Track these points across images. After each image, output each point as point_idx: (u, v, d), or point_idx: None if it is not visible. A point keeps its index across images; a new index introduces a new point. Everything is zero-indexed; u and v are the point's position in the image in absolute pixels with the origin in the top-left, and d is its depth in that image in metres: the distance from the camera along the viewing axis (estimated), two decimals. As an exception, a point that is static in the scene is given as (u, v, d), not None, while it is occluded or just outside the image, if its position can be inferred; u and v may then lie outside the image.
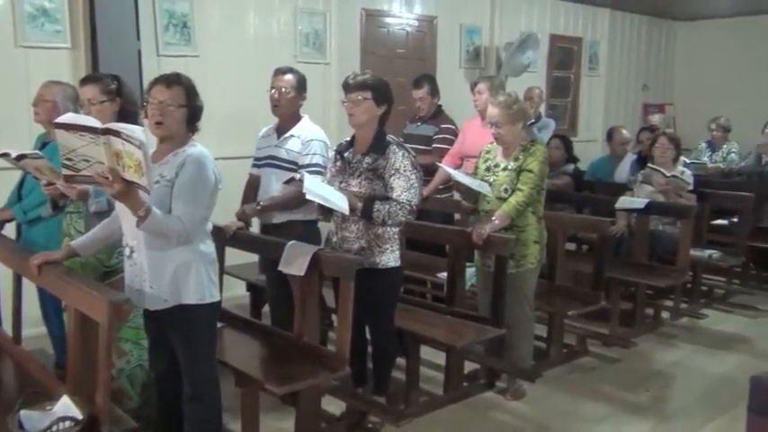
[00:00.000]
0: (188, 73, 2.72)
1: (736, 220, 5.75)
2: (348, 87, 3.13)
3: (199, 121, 2.65)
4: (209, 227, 2.69)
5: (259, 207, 3.58)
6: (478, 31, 7.15)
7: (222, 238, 3.55)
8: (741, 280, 6.03)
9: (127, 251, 2.62)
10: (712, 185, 5.77)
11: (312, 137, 3.54)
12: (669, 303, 5.29)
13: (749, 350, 4.64)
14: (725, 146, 6.64)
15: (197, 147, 2.60)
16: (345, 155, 3.23)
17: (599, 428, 3.47)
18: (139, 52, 4.74)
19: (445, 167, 4.19)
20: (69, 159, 2.32)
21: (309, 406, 3.12)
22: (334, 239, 3.27)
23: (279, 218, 3.56)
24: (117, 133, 2.19)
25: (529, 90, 6.35)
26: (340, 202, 2.99)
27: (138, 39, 4.75)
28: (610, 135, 6.40)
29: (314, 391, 3.10)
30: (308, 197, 2.96)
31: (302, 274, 3.03)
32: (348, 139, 3.30)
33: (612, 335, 4.65)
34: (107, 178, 2.27)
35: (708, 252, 5.27)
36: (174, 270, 2.53)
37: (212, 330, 2.75)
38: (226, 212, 3.67)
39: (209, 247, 2.66)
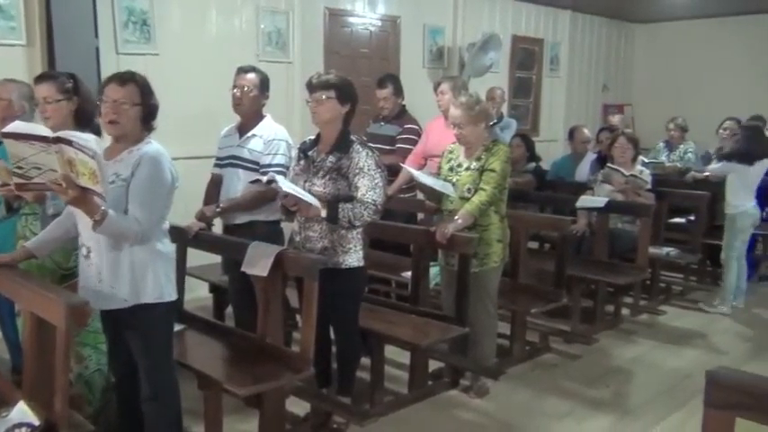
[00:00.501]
0: (148, 71, 2.68)
1: (692, 218, 5.88)
2: (312, 87, 3.12)
3: (154, 119, 2.62)
4: (167, 225, 2.67)
5: (219, 209, 3.54)
6: (441, 31, 7.19)
7: (184, 238, 3.51)
8: (698, 277, 6.18)
9: (84, 251, 2.58)
10: (670, 184, 5.90)
11: (275, 136, 3.52)
12: (629, 300, 5.39)
13: (705, 345, 4.75)
14: (682, 146, 6.77)
15: (153, 145, 2.57)
16: (309, 154, 3.21)
17: (561, 424, 3.52)
18: (97, 50, 4.65)
19: (408, 168, 4.20)
20: (20, 168, 2.27)
21: (273, 407, 3.09)
22: (297, 239, 3.25)
23: (241, 218, 3.53)
24: (69, 142, 2.16)
25: (491, 90, 6.41)
26: (312, 199, 2.98)
27: (97, 36, 4.66)
28: (571, 134, 6.51)
29: (278, 392, 3.08)
30: (285, 189, 2.93)
31: (265, 274, 3.01)
32: (312, 137, 3.29)
33: (574, 332, 4.72)
34: (60, 185, 2.23)
35: (666, 250, 5.39)
36: (133, 269, 2.52)
37: (170, 329, 2.74)
38: (188, 213, 3.63)
39: (166, 246, 2.65)
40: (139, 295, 2.53)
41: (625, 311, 5.31)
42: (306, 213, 3.04)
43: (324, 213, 3.00)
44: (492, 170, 3.56)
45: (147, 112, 2.57)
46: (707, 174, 5.94)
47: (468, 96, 3.71)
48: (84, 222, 2.47)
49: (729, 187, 5.30)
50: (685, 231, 5.84)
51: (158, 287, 2.57)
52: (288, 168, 3.43)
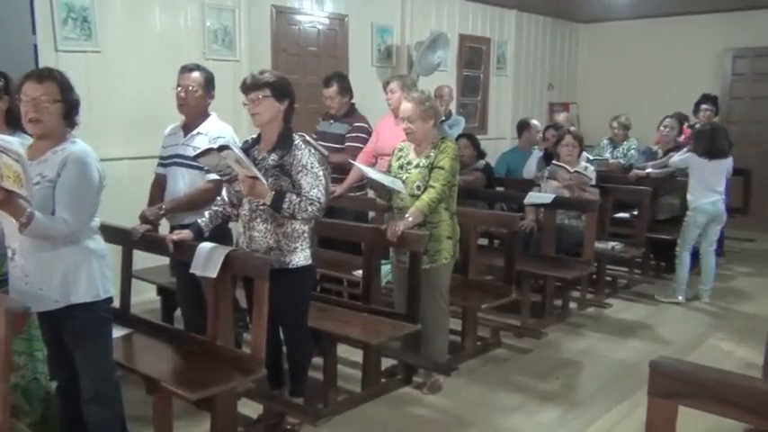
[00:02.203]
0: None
1: (636, 213, 6.04)
2: (246, 88, 3.08)
3: (77, 115, 2.58)
4: (97, 223, 2.65)
5: (162, 211, 3.48)
6: (389, 30, 7.20)
7: (129, 241, 3.44)
8: (642, 270, 6.35)
9: (9, 253, 2.55)
10: (613, 181, 6.05)
11: (219, 134, 3.47)
12: (576, 294, 5.50)
13: (650, 336, 4.89)
14: (625, 143, 6.94)
15: (78, 144, 2.54)
16: (251, 152, 3.18)
17: (513, 417, 3.57)
18: (35, 47, 4.50)
19: (358, 165, 4.20)
20: None
21: (225, 410, 3.05)
22: (242, 240, 3.21)
23: (188, 219, 3.46)
24: None
25: (439, 89, 6.46)
26: (261, 176, 2.95)
27: (34, 33, 4.51)
28: (522, 127, 6.64)
29: (229, 394, 3.04)
30: (238, 155, 2.88)
31: (214, 276, 2.97)
32: (254, 136, 3.26)
33: (524, 326, 4.79)
34: None
35: (611, 244, 5.52)
36: (64, 270, 2.49)
37: (109, 327, 2.70)
38: (134, 214, 3.55)
39: (98, 243, 2.63)
40: (72, 295, 2.50)
41: (573, 305, 5.42)
42: (252, 191, 2.97)
43: (269, 199, 2.96)
44: (441, 167, 3.58)
45: (69, 109, 2.53)
46: (648, 171, 6.16)
47: (421, 92, 3.74)
48: (8, 225, 2.44)
49: (689, 183, 5.47)
50: (629, 226, 6.00)
51: (93, 286, 2.54)
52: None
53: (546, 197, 5.12)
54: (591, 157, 6.15)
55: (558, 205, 5.08)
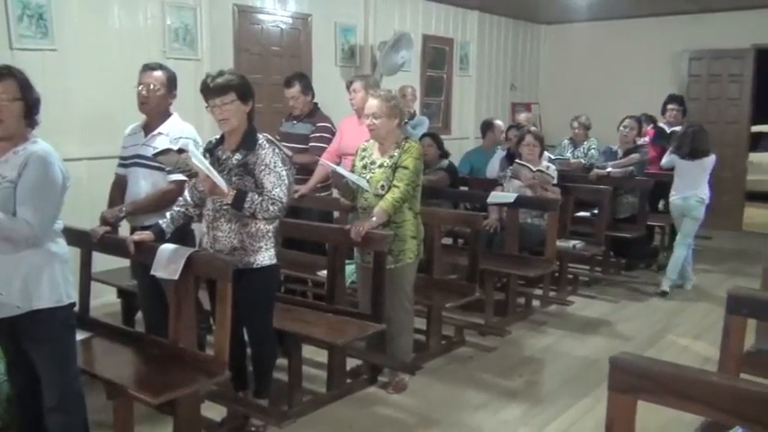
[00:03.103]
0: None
1: (596, 211, 6.14)
2: (209, 91, 3.03)
3: (38, 114, 2.52)
4: (60, 226, 2.59)
5: (122, 213, 3.42)
6: (353, 29, 7.19)
7: (88, 243, 3.37)
8: (602, 267, 6.45)
9: None
10: (574, 180, 6.14)
11: (181, 134, 3.42)
12: (539, 292, 5.57)
13: (611, 332, 4.97)
14: (585, 143, 7.05)
15: (39, 144, 2.48)
16: (215, 152, 3.15)
17: (477, 415, 3.59)
18: (-11, 45, 4.39)
19: (328, 163, 4.20)
20: None
21: (188, 413, 3.01)
22: (205, 240, 3.18)
23: (149, 220, 3.41)
24: None
25: (402, 89, 6.46)
26: (220, 179, 2.92)
27: (-12, 30, 4.40)
28: (486, 127, 6.71)
29: (192, 397, 3.00)
30: (193, 160, 2.87)
31: (176, 277, 2.93)
32: (218, 136, 3.23)
33: (488, 324, 4.84)
34: None
35: (572, 242, 5.61)
36: (26, 274, 2.42)
37: (72, 334, 2.64)
38: (93, 216, 3.49)
39: (61, 246, 2.56)
40: (34, 300, 2.43)
41: (536, 303, 5.49)
42: (212, 191, 2.96)
43: (230, 199, 2.94)
44: (405, 167, 3.59)
45: (29, 107, 2.47)
46: (609, 170, 6.28)
47: (387, 91, 3.75)
48: None
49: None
50: (590, 224, 6.09)
51: (56, 291, 2.48)
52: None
53: (509, 196, 5.17)
54: (552, 157, 6.23)
55: (520, 204, 5.13)
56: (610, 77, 9.17)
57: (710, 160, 5.78)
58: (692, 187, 5.73)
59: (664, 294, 5.83)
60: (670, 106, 7.06)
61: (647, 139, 6.91)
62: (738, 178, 8.76)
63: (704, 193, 5.76)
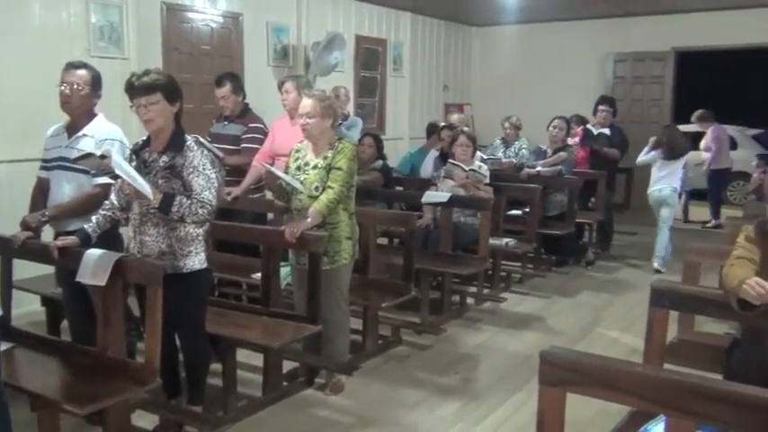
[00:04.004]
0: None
1: (527, 210, 6.28)
2: (134, 91, 2.95)
3: None
4: None
5: (45, 218, 3.29)
6: (286, 29, 7.14)
7: (9, 249, 3.23)
8: (534, 264, 6.61)
9: None
10: (506, 179, 6.27)
11: (107, 136, 3.31)
12: (473, 289, 5.66)
13: (542, 328, 5.10)
14: (516, 142, 7.20)
15: None
16: (142, 154, 3.06)
17: (414, 413, 3.62)
18: None
19: (264, 164, 4.15)
20: None
21: (117, 423, 2.92)
22: (132, 245, 3.09)
23: (73, 225, 3.28)
24: None
25: (335, 89, 6.43)
26: (145, 185, 2.84)
27: None
28: (432, 130, 6.79)
29: (122, 407, 2.91)
30: (116, 171, 2.79)
31: (104, 283, 2.84)
32: (144, 138, 3.14)
33: (423, 323, 4.88)
34: None
35: (505, 240, 5.71)
36: None
37: None
38: (15, 221, 3.33)
39: None
40: None
41: (470, 300, 5.56)
42: (137, 196, 2.89)
43: (157, 202, 2.87)
44: (339, 168, 3.58)
45: None
46: (538, 169, 6.45)
47: (321, 91, 3.74)
48: None
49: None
50: (521, 223, 6.22)
51: None
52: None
53: (442, 196, 5.23)
54: (485, 157, 6.34)
55: (454, 204, 5.20)
56: (539, 79, 9.40)
57: (684, 160, 6.62)
58: (668, 181, 6.54)
59: (657, 272, 6.46)
60: (601, 107, 7.28)
61: (576, 139, 7.11)
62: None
63: (677, 183, 6.62)
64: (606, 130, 7.23)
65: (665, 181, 6.55)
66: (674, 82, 8.99)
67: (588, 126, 7.34)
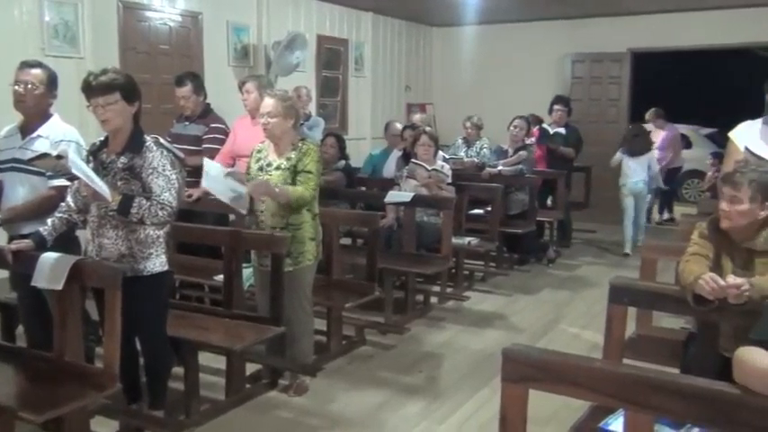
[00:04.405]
0: None
1: (489, 209, 6.34)
2: (92, 90, 2.88)
3: None
4: None
5: None
6: (246, 29, 7.07)
7: (-40, 253, 3.13)
8: (496, 263, 6.67)
9: None
10: (468, 178, 6.32)
11: (63, 137, 3.24)
12: (437, 289, 5.69)
13: (505, 325, 5.15)
14: (478, 142, 7.26)
15: None
16: (99, 155, 3.01)
17: (379, 413, 3.62)
18: None
19: (207, 162, 4.02)
20: None
21: (76, 430, 2.86)
22: (90, 248, 3.03)
23: (28, 228, 3.20)
24: None
25: (296, 89, 6.41)
26: (104, 187, 2.79)
27: None
28: (386, 128, 6.81)
29: (80, 413, 2.86)
30: (74, 172, 2.72)
31: (60, 287, 2.77)
32: (101, 139, 3.08)
33: (387, 323, 4.89)
34: None
35: (467, 239, 5.76)
36: None
37: None
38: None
39: None
40: None
41: (434, 299, 5.59)
42: (95, 198, 2.84)
43: (115, 205, 2.82)
44: (308, 171, 3.57)
45: None
46: (500, 169, 6.52)
47: (283, 91, 3.72)
48: None
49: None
50: (483, 222, 6.28)
51: None
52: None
53: (405, 196, 5.24)
54: (447, 156, 6.39)
55: (417, 203, 5.22)
56: (499, 79, 9.48)
57: (649, 155, 7.45)
58: (637, 175, 7.35)
59: (626, 256, 7.30)
60: (556, 107, 7.38)
61: (533, 139, 7.20)
62: (619, 175, 9.27)
63: (647, 177, 7.42)
64: (562, 130, 7.35)
65: (637, 174, 7.35)
66: (630, 82, 9.17)
67: (544, 125, 7.44)
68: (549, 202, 7.27)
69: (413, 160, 5.54)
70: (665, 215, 9.52)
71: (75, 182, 2.98)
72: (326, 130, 6.58)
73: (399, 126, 6.68)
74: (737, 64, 13.22)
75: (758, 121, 3.13)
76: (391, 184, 5.75)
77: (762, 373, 1.54)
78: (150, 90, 5.73)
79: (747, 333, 1.70)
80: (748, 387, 1.54)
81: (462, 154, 7.20)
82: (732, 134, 3.17)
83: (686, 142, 12.25)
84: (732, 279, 2.29)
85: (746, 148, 3.00)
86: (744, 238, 2.54)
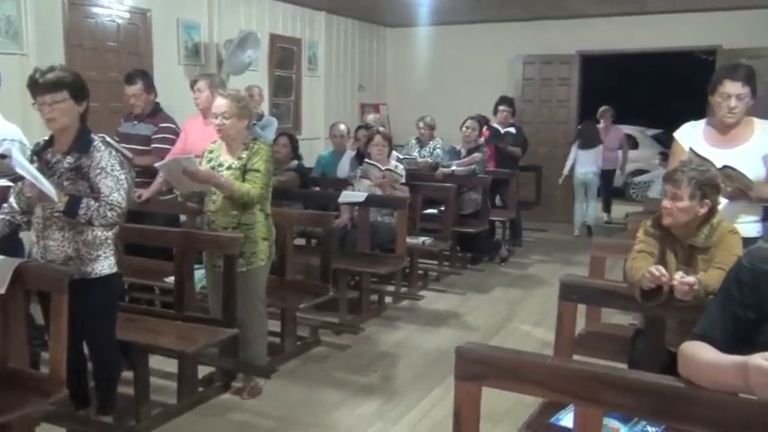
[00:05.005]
0: None
1: (443, 208, 6.39)
2: (38, 88, 2.81)
3: None
4: None
5: None
6: (197, 27, 6.96)
7: None
8: (450, 262, 6.73)
9: None
10: (422, 178, 6.35)
11: (5, 136, 3.16)
12: (391, 288, 5.70)
13: (459, 324, 5.20)
14: (431, 142, 7.31)
15: None
16: (44, 155, 2.92)
17: (334, 413, 3.61)
18: None
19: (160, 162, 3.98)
20: None
21: (21, 439, 2.77)
22: (35, 250, 2.94)
23: (-32, 230, 3.10)
24: None
25: (249, 88, 6.35)
26: (50, 187, 2.70)
27: None
28: (330, 130, 6.76)
29: (26, 420, 2.77)
30: (18, 171, 2.64)
31: (3, 291, 2.68)
32: (46, 138, 3.00)
33: (342, 323, 4.88)
34: None
35: (421, 239, 5.79)
36: None
37: None
38: None
39: None
40: None
41: (388, 299, 5.61)
42: (40, 198, 2.76)
43: (62, 206, 2.75)
44: (256, 170, 3.53)
45: None
46: (453, 169, 6.58)
47: (236, 91, 3.67)
48: None
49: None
50: (437, 221, 6.32)
51: None
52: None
53: (359, 196, 5.24)
54: (401, 156, 6.41)
55: (371, 203, 5.22)
56: (452, 80, 9.56)
57: (597, 149, 8.33)
58: (588, 165, 8.31)
59: (578, 236, 8.32)
60: (501, 107, 7.48)
61: (482, 139, 7.28)
62: (568, 175, 9.46)
63: (597, 167, 8.38)
64: (513, 129, 7.46)
65: (588, 165, 8.30)
66: (579, 84, 9.35)
67: (495, 125, 7.53)
68: (497, 200, 7.36)
69: (366, 160, 5.54)
70: (605, 216, 9.62)
71: (19, 183, 2.89)
72: (280, 129, 6.52)
73: (343, 128, 6.60)
74: (681, 67, 13.62)
75: (701, 122, 3.24)
76: (345, 184, 5.74)
77: (704, 367, 1.59)
78: (97, 88, 5.55)
79: (692, 328, 1.76)
80: (692, 380, 1.59)
81: (416, 154, 7.24)
82: (677, 135, 3.26)
83: (633, 143, 12.58)
84: (680, 276, 2.36)
85: (691, 149, 3.09)
86: (686, 235, 2.63)
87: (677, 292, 2.35)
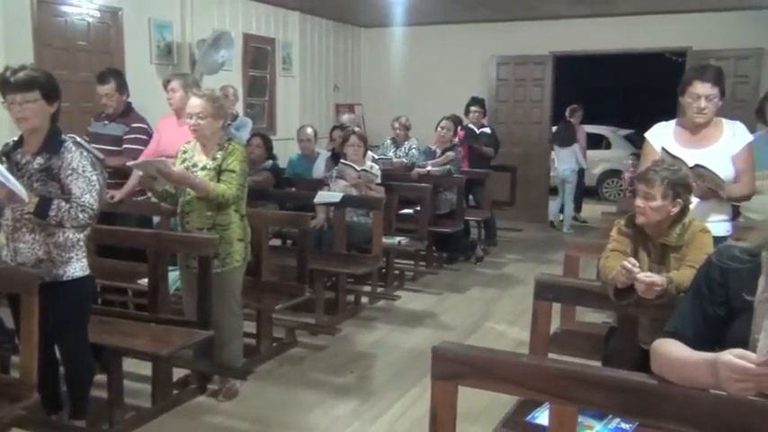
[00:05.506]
0: None
1: (418, 208, 6.41)
2: (9, 87, 2.76)
3: None
4: None
5: None
6: (169, 26, 6.89)
7: None
8: (426, 262, 6.74)
9: None
10: (397, 178, 6.36)
11: (-26, 136, 3.09)
12: (367, 288, 5.70)
13: (435, 324, 5.21)
14: (406, 143, 7.33)
15: None
16: (13, 156, 2.87)
17: (311, 414, 3.60)
18: None
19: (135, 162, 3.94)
20: None
21: (-9, 445, 2.73)
22: (5, 252, 2.89)
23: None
24: None
25: (223, 88, 6.29)
26: (20, 188, 2.66)
27: None
28: (298, 134, 6.74)
29: (-5, 426, 2.72)
30: None
31: (-28, 294, 2.64)
32: (15, 138, 2.95)
33: (318, 324, 4.87)
34: None
35: (397, 239, 5.80)
36: None
37: None
38: None
39: None
40: None
41: (365, 299, 5.61)
42: (10, 199, 2.71)
43: (32, 207, 2.70)
44: (232, 171, 3.51)
45: None
46: (428, 169, 6.60)
47: (211, 90, 3.65)
48: None
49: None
50: (413, 221, 6.34)
51: None
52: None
53: (335, 196, 5.24)
54: (376, 157, 6.41)
55: (346, 204, 5.22)
56: (426, 80, 9.59)
57: (573, 148, 8.85)
58: (566, 163, 8.86)
59: (552, 227, 9.00)
60: (472, 108, 7.53)
61: (456, 139, 7.31)
62: (543, 175, 9.55)
63: (575, 165, 8.90)
64: (487, 129, 7.51)
65: (566, 162, 8.86)
66: (552, 84, 9.44)
67: (470, 126, 7.57)
68: (470, 200, 7.39)
69: (342, 161, 5.54)
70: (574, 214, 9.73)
71: None
72: (254, 130, 6.49)
73: (310, 131, 6.54)
74: (653, 68, 13.82)
75: (672, 122, 3.29)
76: (321, 184, 5.73)
77: (675, 364, 1.62)
78: (68, 88, 5.46)
79: (664, 326, 1.78)
80: (664, 377, 1.61)
81: (391, 154, 7.24)
82: (648, 135, 3.31)
83: (605, 143, 12.73)
84: (644, 276, 2.39)
85: (663, 149, 3.14)
86: (658, 234, 2.67)
87: (638, 288, 2.38)
